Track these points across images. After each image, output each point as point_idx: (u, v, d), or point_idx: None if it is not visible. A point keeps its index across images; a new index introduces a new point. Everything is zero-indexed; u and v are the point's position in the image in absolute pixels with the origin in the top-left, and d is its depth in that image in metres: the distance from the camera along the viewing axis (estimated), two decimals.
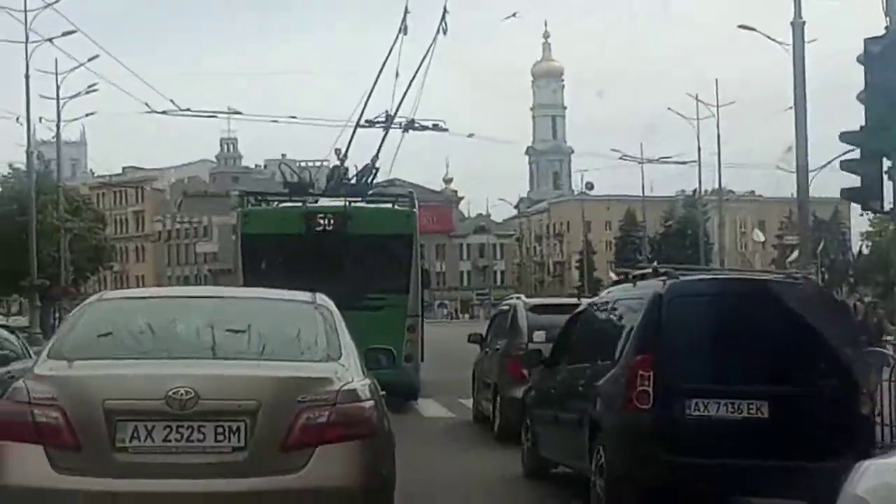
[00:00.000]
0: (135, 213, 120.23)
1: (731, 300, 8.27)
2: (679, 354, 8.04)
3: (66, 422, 5.25)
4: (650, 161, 56.10)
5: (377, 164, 20.61)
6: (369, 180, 20.31)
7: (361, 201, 18.21)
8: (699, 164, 57.60)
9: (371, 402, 5.65)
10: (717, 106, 53.57)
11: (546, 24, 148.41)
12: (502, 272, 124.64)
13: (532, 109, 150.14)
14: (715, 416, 7.85)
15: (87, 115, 47.40)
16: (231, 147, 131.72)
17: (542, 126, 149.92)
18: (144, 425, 5.28)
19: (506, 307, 15.32)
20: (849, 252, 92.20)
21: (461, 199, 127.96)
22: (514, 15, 27.43)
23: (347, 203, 17.49)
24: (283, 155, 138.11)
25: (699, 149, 55.92)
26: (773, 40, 39.26)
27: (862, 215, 67.80)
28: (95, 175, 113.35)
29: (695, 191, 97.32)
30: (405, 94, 21.17)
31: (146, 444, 5.28)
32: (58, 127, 43.37)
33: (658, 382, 7.91)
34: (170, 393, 5.25)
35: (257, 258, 16.93)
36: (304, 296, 6.55)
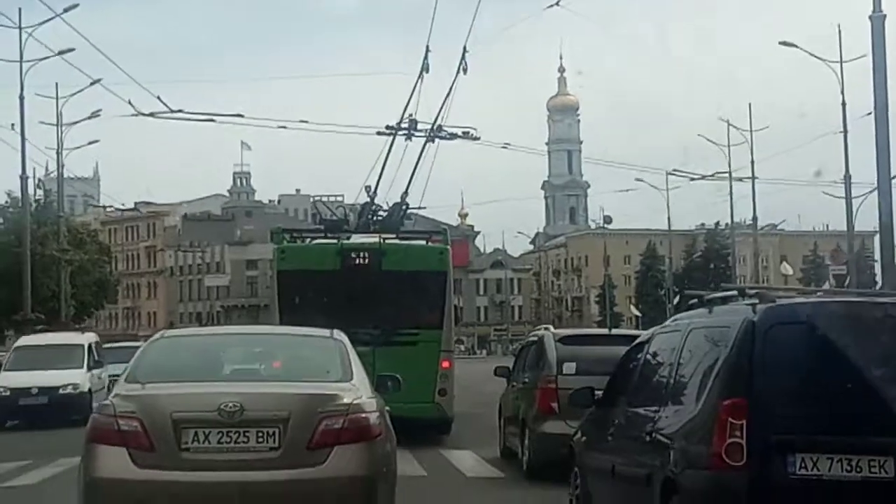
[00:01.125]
0: (146, 248, 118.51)
1: (846, 328, 6.50)
2: (780, 398, 6.36)
3: (143, 429, 6.77)
4: (691, 176, 50.30)
5: (407, 200, 20.91)
6: (401, 216, 20.64)
7: (395, 238, 18.50)
8: (731, 193, 53.42)
9: (376, 413, 7.17)
10: (751, 131, 49.40)
11: (561, 58, 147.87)
12: (520, 307, 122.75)
13: (548, 144, 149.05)
14: (827, 476, 6.21)
15: (90, 143, 45.52)
16: (244, 181, 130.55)
17: (558, 160, 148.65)
18: (203, 431, 6.79)
19: (533, 338, 14.73)
20: (875, 286, 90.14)
21: (478, 233, 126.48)
22: (557, 3, 25.79)
23: (382, 240, 17.71)
24: (298, 190, 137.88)
25: (730, 175, 51.29)
26: (818, 57, 37.20)
27: None
28: (107, 210, 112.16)
29: (717, 223, 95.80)
30: (432, 125, 21.83)
31: (204, 446, 6.80)
32: (58, 154, 41.53)
33: (754, 433, 6.26)
34: (221, 406, 6.76)
35: (293, 294, 17.05)
36: (324, 332, 8.19)
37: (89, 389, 21.22)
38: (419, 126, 21.99)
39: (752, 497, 6.23)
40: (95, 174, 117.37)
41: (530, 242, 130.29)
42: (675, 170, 45.85)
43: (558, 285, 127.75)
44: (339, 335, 8.02)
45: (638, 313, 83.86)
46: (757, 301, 6.83)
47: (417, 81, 21.91)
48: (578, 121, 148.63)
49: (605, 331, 15.39)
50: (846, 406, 6.34)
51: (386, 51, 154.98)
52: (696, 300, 8.07)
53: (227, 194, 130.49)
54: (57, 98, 40.14)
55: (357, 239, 18.28)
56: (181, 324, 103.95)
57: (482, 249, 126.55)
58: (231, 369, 7.68)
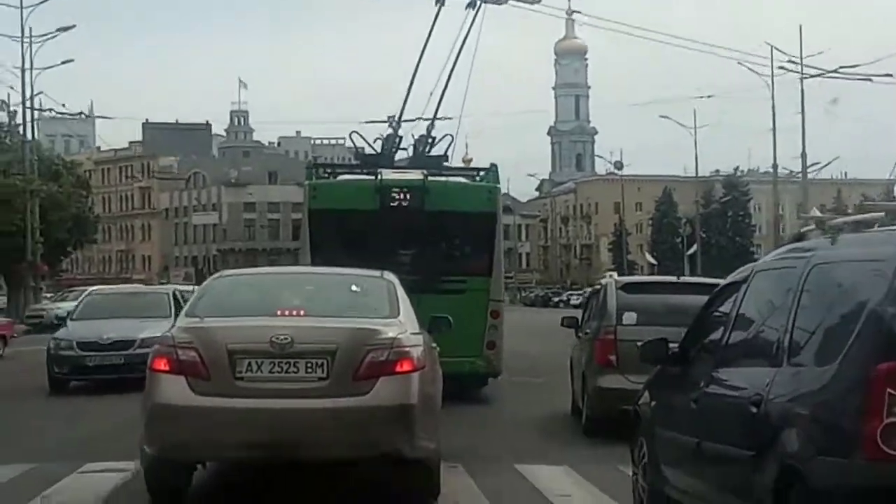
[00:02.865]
0: (141, 189, 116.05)
1: None
2: None
3: (201, 359, 7.49)
4: (805, 75, 41.15)
5: (433, 131, 18.76)
6: (430, 146, 18.47)
7: (439, 174, 16.76)
8: (774, 131, 47.72)
9: (420, 348, 7.76)
10: (801, 58, 41.31)
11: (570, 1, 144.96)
12: (527, 254, 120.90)
13: (554, 88, 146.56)
14: None
15: (63, 62, 43.02)
16: (241, 120, 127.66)
17: (565, 106, 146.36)
18: (256, 361, 7.47)
19: (598, 287, 14.07)
20: None
21: None
22: None
23: (425, 176, 15.98)
24: (298, 132, 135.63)
25: (773, 109, 45.24)
26: None
27: None
28: (101, 150, 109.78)
29: (737, 168, 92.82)
30: (457, 59, 19.42)
31: (257, 375, 7.45)
32: (23, 72, 39.44)
33: None
34: (273, 339, 7.42)
35: (326, 235, 15.86)
36: (374, 272, 8.87)
37: None
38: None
39: None
40: (91, 114, 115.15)
41: (536, 189, 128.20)
42: (789, 61, 39.69)
43: (566, 232, 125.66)
44: (390, 276, 8.73)
45: (653, 261, 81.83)
46: None
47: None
48: (586, 65, 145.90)
49: (672, 278, 14.10)
50: None
51: None
52: (811, 228, 6.16)
53: (224, 133, 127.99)
54: (22, 7, 38.05)
55: (398, 176, 16.50)
56: (176, 268, 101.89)
57: None
58: (283, 305, 8.18)
